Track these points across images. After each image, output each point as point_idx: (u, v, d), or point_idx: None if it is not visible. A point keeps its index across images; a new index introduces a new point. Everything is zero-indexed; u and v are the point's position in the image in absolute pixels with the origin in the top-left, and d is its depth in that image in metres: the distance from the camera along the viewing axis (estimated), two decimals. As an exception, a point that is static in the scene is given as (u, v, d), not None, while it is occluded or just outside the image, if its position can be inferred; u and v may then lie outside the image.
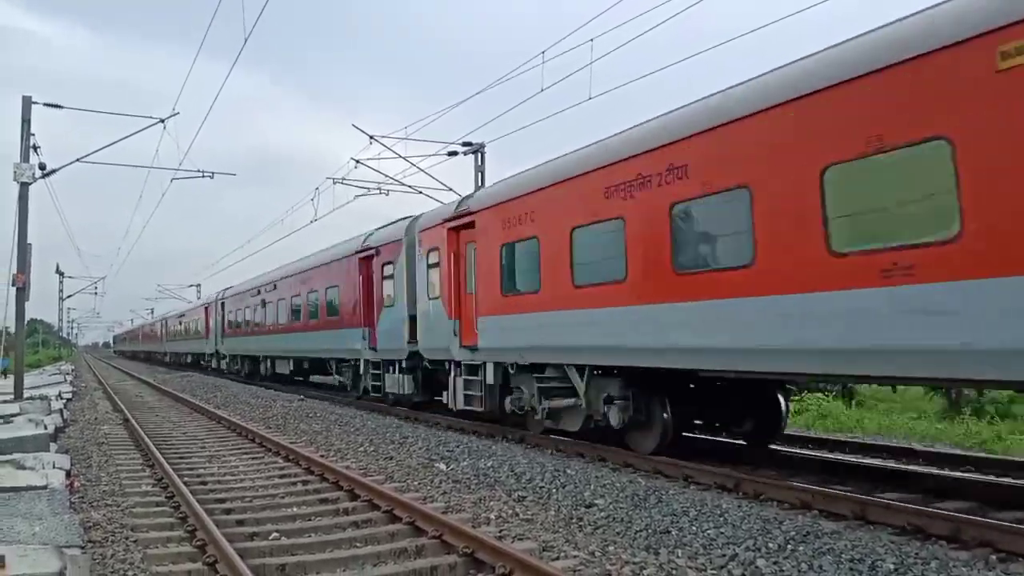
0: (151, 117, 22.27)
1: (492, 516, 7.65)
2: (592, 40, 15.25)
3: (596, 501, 8.12)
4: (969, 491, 8.03)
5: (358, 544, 6.76)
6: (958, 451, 11.23)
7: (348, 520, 7.61)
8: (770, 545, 6.26)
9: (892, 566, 5.63)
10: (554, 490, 8.75)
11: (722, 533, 6.70)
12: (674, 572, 5.84)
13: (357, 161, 25.32)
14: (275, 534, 7.08)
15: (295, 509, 8.17)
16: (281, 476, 10.11)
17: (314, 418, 17.17)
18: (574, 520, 7.51)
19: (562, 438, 12.06)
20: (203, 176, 27.59)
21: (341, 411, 18.65)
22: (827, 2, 11.42)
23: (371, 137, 24.32)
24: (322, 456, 11.16)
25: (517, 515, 7.74)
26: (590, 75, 15.56)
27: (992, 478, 8.96)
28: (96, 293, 76.95)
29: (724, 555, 6.16)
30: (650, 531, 6.93)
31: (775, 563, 5.86)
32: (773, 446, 11.27)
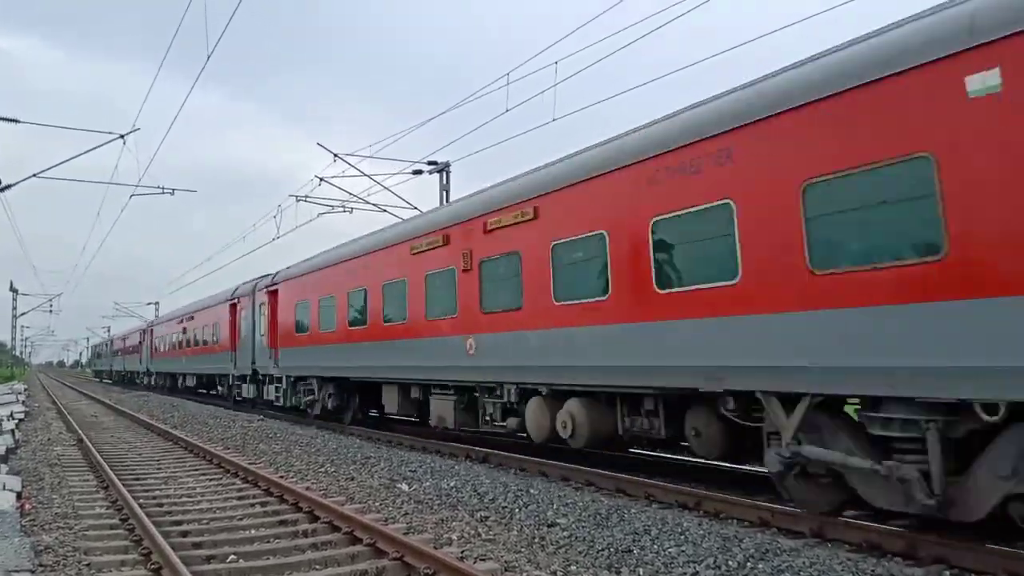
0: (111, 133, 21.97)
1: (454, 537, 7.60)
2: (556, 63, 15.47)
3: (559, 520, 8.12)
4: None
5: (317, 566, 6.67)
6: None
7: (307, 542, 7.51)
8: (730, 563, 6.32)
9: (849, 583, 5.72)
10: (517, 510, 8.73)
11: (683, 551, 6.74)
12: (635, 591, 5.85)
13: (321, 179, 25.22)
14: (232, 556, 6.95)
15: (253, 531, 8.03)
16: (239, 498, 9.94)
17: (274, 439, 16.94)
18: (537, 540, 7.49)
19: (526, 457, 12.11)
20: (163, 192, 27.30)
21: (302, 431, 18.43)
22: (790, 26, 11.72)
23: (335, 155, 24.26)
24: (281, 477, 11.00)
25: (480, 535, 7.70)
26: (554, 96, 15.78)
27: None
28: (51, 310, 75.33)
29: (685, 573, 6.20)
30: (612, 550, 6.94)
31: (735, 581, 5.91)
32: (735, 465, 11.40)
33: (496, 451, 12.90)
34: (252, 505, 9.41)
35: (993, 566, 5.93)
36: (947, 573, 6.03)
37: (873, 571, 5.94)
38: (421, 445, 14.88)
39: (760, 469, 11.36)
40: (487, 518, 8.49)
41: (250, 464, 12.26)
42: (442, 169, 25.44)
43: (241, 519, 8.62)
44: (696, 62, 13.81)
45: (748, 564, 6.27)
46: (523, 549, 7.16)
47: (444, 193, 25.46)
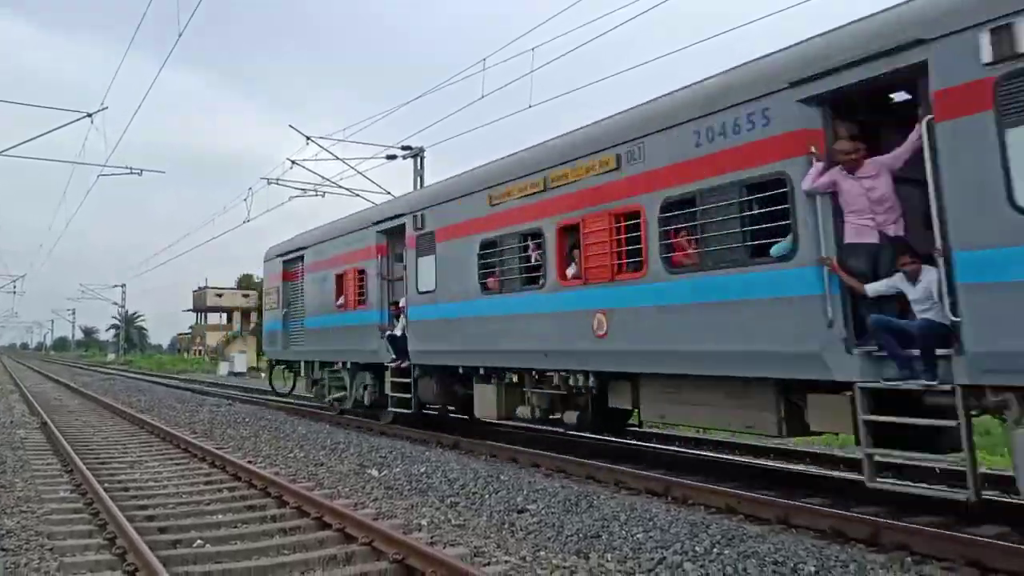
0: (78, 111, 21.50)
1: (424, 522, 7.60)
2: (533, 49, 15.41)
3: (528, 506, 8.14)
4: (887, 496, 8.29)
5: (286, 551, 6.63)
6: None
7: (276, 527, 7.46)
8: (697, 548, 6.38)
9: (813, 568, 5.80)
10: (487, 495, 8.74)
11: (651, 537, 6.79)
12: (603, 576, 5.90)
13: (293, 162, 24.98)
14: (199, 541, 6.89)
15: (221, 516, 7.97)
16: (207, 483, 9.86)
17: (242, 423, 16.80)
18: (506, 525, 7.51)
19: (497, 444, 12.15)
20: (131, 173, 26.85)
21: (271, 416, 18.29)
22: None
23: (308, 138, 24.03)
24: (250, 462, 10.91)
25: (449, 521, 7.71)
26: (531, 83, 15.72)
27: (909, 483, 9.29)
28: (15, 292, 73.88)
29: (652, 559, 6.25)
30: (581, 536, 6.98)
31: (701, 566, 5.97)
32: (703, 452, 11.54)
33: (466, 438, 12.90)
34: (220, 490, 9.34)
35: (953, 553, 6.05)
36: (908, 559, 6.13)
37: (837, 557, 6.03)
38: (392, 431, 14.84)
39: (725, 456, 11.50)
40: (457, 504, 8.50)
41: (218, 449, 12.15)
42: (416, 154, 25.30)
43: (208, 504, 8.55)
44: (676, 50, 13.82)
45: (715, 550, 6.33)
46: (492, 534, 7.18)
47: (418, 179, 25.34)
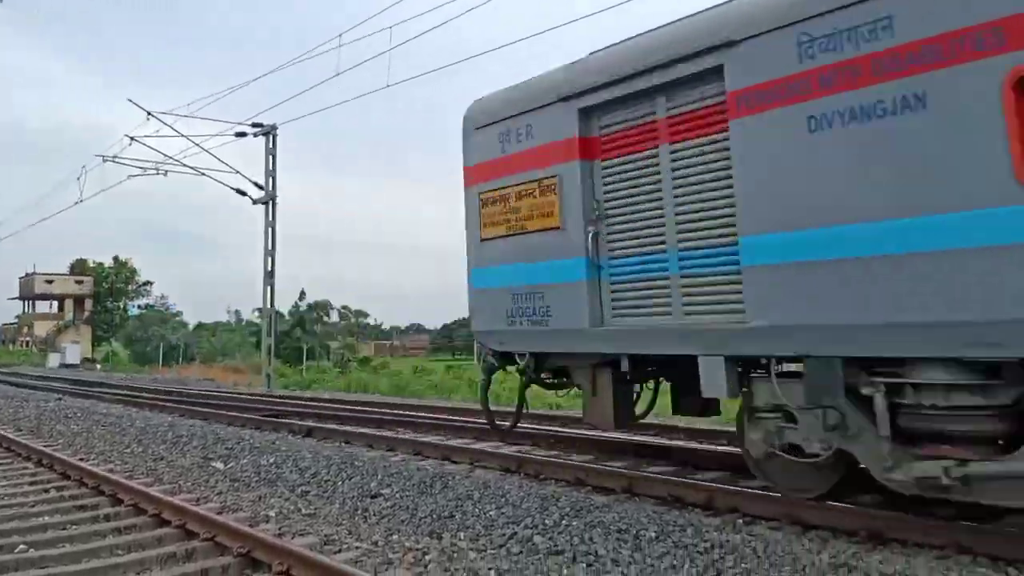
0: None
1: (272, 514, 7.37)
2: (391, 28, 15.21)
3: (382, 491, 8.08)
4: (722, 462, 8.85)
5: (120, 551, 6.24)
6: (716, 427, 12.33)
7: (109, 527, 7.02)
8: (547, 522, 6.55)
9: (654, 534, 6.10)
10: (340, 482, 8.60)
11: (503, 513, 6.91)
12: (455, 555, 5.94)
13: (132, 138, 23.54)
14: (22, 546, 6.38)
15: (47, 518, 7.39)
16: (32, 483, 9.12)
17: (74, 418, 15.66)
18: (359, 511, 7.42)
19: (352, 429, 11.94)
20: (-61, 148, 24.38)
21: (106, 410, 17.17)
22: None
23: (148, 113, 22.73)
24: (81, 459, 10.19)
25: (299, 511, 7.53)
26: (389, 61, 15.51)
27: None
28: None
29: (504, 534, 6.36)
30: (434, 517, 7.00)
31: (550, 538, 6.14)
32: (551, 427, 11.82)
33: (322, 424, 12.64)
34: (46, 490, 8.67)
35: (778, 513, 6.54)
36: (740, 521, 6.57)
37: (676, 522, 6.37)
38: (240, 421, 14.30)
39: (580, 432, 11.83)
40: (308, 493, 8.31)
41: (45, 446, 11.27)
42: (268, 132, 24.38)
43: (34, 506, 7.92)
44: (537, 33, 13.96)
45: (563, 521, 6.53)
46: (344, 521, 7.07)
47: (270, 158, 24.44)
